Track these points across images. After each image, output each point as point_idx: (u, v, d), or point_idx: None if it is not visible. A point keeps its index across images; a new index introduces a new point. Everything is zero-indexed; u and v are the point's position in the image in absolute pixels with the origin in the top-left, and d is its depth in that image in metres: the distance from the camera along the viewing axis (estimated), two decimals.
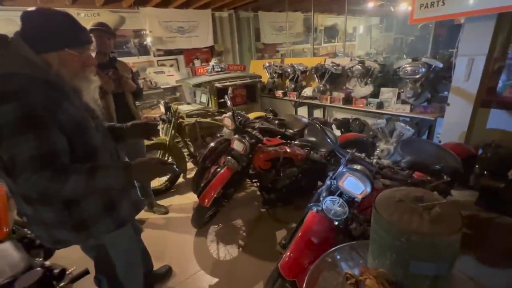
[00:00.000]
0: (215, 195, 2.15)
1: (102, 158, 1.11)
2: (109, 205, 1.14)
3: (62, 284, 1.23)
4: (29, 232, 1.71)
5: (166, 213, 2.77)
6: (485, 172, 2.39)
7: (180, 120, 3.19)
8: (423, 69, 2.69)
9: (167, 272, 1.98)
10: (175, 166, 1.18)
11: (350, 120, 3.57)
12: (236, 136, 2.25)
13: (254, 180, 2.65)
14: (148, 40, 4.97)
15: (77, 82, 1.06)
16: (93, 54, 1.94)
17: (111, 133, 1.28)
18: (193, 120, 3.27)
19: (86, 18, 4.24)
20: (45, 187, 0.89)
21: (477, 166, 2.42)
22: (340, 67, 3.55)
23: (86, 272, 1.33)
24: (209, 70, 4.21)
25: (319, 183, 2.61)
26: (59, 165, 0.92)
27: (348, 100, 3.46)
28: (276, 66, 4.54)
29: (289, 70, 4.24)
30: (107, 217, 1.13)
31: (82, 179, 0.94)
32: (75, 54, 1.01)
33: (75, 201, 1.05)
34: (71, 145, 0.99)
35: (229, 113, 2.43)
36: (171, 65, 5.43)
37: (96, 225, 1.11)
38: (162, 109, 3.12)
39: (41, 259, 1.47)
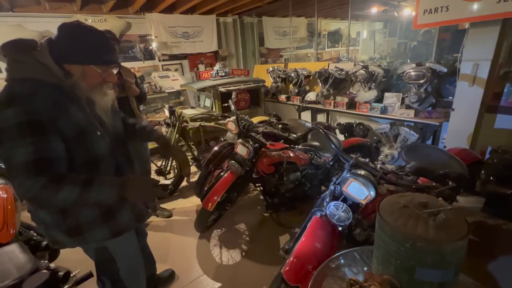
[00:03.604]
0: (218, 199, 2.15)
1: (106, 167, 1.10)
2: (107, 213, 1.12)
3: (66, 286, 1.24)
4: (35, 234, 1.73)
5: (169, 216, 2.77)
6: (492, 178, 2.37)
7: (184, 124, 3.22)
8: (427, 74, 2.68)
9: (170, 276, 1.98)
10: (165, 191, 1.15)
11: (354, 125, 3.57)
12: (240, 140, 2.26)
13: (257, 185, 2.65)
14: (154, 45, 5.04)
15: (92, 94, 1.08)
16: None
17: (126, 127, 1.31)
18: (197, 124, 3.29)
19: (93, 24, 4.30)
20: (38, 193, 0.89)
21: (483, 172, 2.39)
22: (343, 72, 3.56)
23: (89, 275, 1.35)
24: (213, 74, 4.25)
25: (323, 188, 2.60)
26: (54, 173, 0.91)
27: (351, 104, 3.46)
28: (280, 70, 4.56)
29: (292, 74, 4.25)
30: (103, 225, 1.12)
31: (75, 190, 0.93)
32: (98, 71, 1.03)
33: None
34: (71, 152, 0.98)
35: (233, 117, 2.45)
36: (176, 70, 5.50)
37: (91, 232, 1.10)
38: (167, 113, 3.15)
39: (46, 261, 1.49)
